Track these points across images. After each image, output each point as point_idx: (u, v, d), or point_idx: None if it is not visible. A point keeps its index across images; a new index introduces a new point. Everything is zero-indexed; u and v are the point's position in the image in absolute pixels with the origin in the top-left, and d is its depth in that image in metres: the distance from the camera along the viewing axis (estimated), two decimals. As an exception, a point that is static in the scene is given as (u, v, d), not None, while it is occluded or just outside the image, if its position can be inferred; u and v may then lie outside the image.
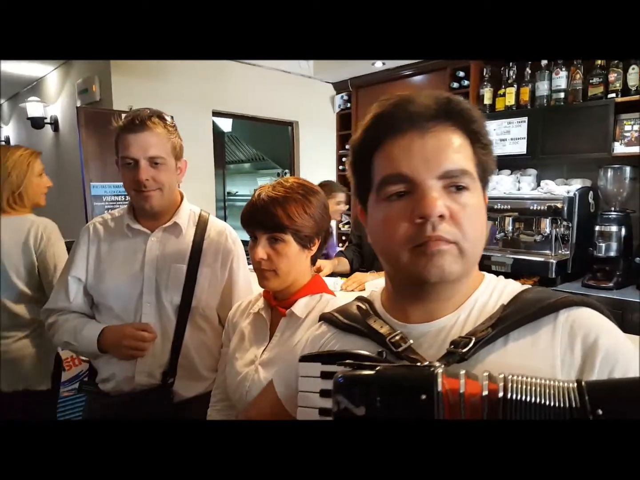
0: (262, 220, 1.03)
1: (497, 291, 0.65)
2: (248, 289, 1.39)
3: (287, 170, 5.83)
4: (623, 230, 2.85)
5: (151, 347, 1.29)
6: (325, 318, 0.78)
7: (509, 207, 3.04)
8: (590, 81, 3.01)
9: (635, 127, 2.84)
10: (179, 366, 1.33)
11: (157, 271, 1.33)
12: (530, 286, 0.66)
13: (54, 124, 4.12)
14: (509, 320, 0.59)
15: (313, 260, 1.14)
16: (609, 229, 2.81)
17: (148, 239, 1.35)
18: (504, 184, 3.37)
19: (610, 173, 2.94)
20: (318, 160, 4.70)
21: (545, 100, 3.25)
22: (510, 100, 3.42)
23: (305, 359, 0.69)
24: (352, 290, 2.16)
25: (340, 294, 1.73)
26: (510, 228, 3.09)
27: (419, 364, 0.57)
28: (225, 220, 5.50)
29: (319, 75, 4.49)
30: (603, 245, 2.79)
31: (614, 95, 2.90)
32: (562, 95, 3.16)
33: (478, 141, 0.63)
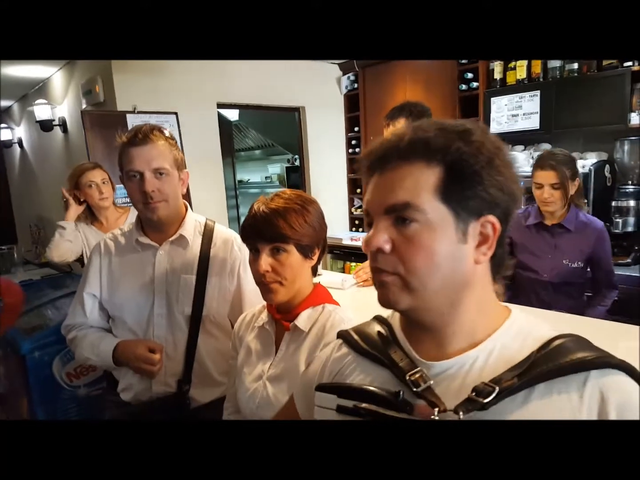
0: (264, 231, 1.03)
1: (523, 333, 0.62)
2: (257, 294, 1.40)
3: (296, 156, 5.80)
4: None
5: (164, 360, 1.32)
6: (344, 338, 0.77)
7: (522, 185, 2.96)
8: (604, 50, 2.90)
9: (653, 97, 2.74)
10: (193, 374, 1.36)
11: (167, 283, 1.36)
12: (561, 333, 0.61)
13: (63, 125, 4.15)
14: (537, 372, 0.56)
15: (313, 271, 1.14)
16: (626, 204, 2.74)
17: (157, 253, 1.38)
18: (517, 160, 3.29)
19: (627, 145, 2.85)
20: (327, 143, 4.66)
21: (558, 72, 3.15)
22: (521, 73, 3.32)
23: (322, 388, 0.69)
24: (363, 283, 2.13)
25: (346, 300, 1.59)
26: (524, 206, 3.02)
27: (436, 409, 0.57)
28: (237, 208, 5.57)
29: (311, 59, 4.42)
30: (620, 220, 2.74)
31: (630, 63, 2.79)
32: (575, 66, 3.06)
33: (458, 172, 0.58)
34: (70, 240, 2.36)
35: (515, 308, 0.66)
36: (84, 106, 3.55)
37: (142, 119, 3.15)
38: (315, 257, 1.11)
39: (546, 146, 3.40)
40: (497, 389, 0.55)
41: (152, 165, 1.27)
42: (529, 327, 0.63)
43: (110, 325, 1.42)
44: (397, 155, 0.61)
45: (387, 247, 0.59)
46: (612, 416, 0.52)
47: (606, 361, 0.55)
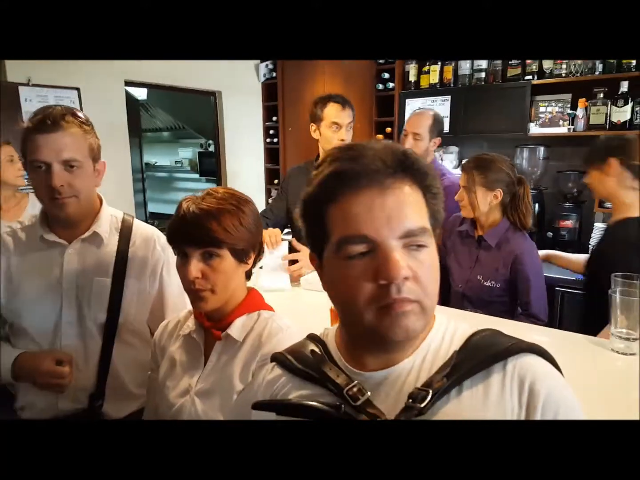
0: (194, 234, 0.95)
1: (449, 334, 0.66)
2: (181, 299, 1.30)
3: (210, 141, 5.57)
4: (537, 207, 3.05)
5: (73, 374, 1.18)
6: (278, 360, 0.75)
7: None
8: (509, 62, 3.12)
9: (549, 109, 3.01)
10: (107, 387, 1.24)
11: (77, 287, 1.21)
12: (478, 329, 0.66)
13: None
14: (462, 369, 0.60)
15: (247, 275, 1.08)
16: (523, 207, 2.99)
17: (65, 251, 1.22)
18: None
19: (526, 152, 3.11)
20: (244, 131, 4.52)
21: (467, 80, 3.34)
22: (434, 78, 3.47)
23: (258, 406, 0.67)
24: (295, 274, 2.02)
25: (281, 306, 1.41)
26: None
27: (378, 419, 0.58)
28: (144, 192, 5.20)
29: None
30: (517, 221, 2.97)
31: (530, 77, 3.03)
32: (483, 75, 3.26)
33: (429, 192, 0.63)
34: None
35: (437, 312, 0.70)
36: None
37: (38, 94, 2.82)
38: (251, 262, 1.05)
39: (454, 149, 3.60)
40: (430, 392, 0.57)
41: (62, 156, 1.12)
42: (453, 328, 0.67)
43: (8, 333, 1.24)
44: (392, 175, 0.59)
45: (411, 274, 0.57)
46: (527, 393, 0.57)
47: (518, 347, 0.61)
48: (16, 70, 2.86)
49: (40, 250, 1.22)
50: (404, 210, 0.58)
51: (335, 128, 2.12)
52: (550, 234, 3.00)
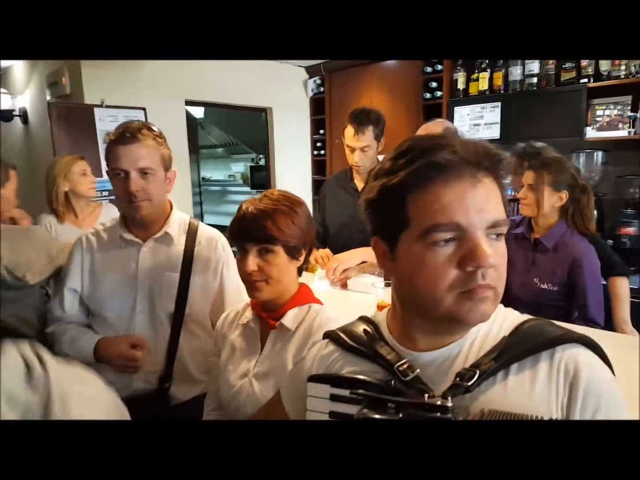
0: (252, 232, 1.05)
1: (499, 321, 0.68)
2: (239, 294, 1.41)
3: (261, 155, 5.78)
4: (596, 214, 2.95)
5: (145, 358, 1.31)
6: (331, 337, 0.80)
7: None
8: (563, 66, 3.07)
9: (607, 112, 2.92)
10: (174, 371, 1.36)
11: (150, 280, 1.35)
12: (528, 317, 0.69)
13: (23, 116, 3.99)
14: (510, 354, 0.62)
15: (299, 271, 1.17)
16: (582, 213, 2.90)
17: (140, 249, 1.37)
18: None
19: (582, 157, 3.03)
20: (293, 144, 4.69)
21: (518, 85, 3.31)
22: (483, 85, 3.46)
23: (314, 379, 0.72)
24: (336, 280, 2.10)
25: (333, 302, 1.49)
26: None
27: (426, 395, 0.61)
28: (201, 205, 5.39)
29: (291, 60, 4.44)
30: (576, 228, 2.88)
31: (586, 80, 2.97)
32: (535, 80, 3.22)
33: (503, 187, 0.66)
34: None
35: None
36: (48, 98, 3.43)
37: (110, 114, 3.09)
38: (302, 258, 1.14)
39: (506, 155, 3.54)
40: (477, 372, 0.61)
41: (138, 165, 1.27)
42: (503, 315, 0.69)
43: (91, 321, 1.40)
44: (482, 168, 0.62)
45: (495, 262, 0.60)
46: (571, 380, 0.59)
47: (568, 336, 0.63)
48: (92, 93, 3.14)
49: (119, 248, 1.38)
50: (491, 201, 0.61)
51: (349, 150, 2.15)
52: (610, 241, 2.90)
